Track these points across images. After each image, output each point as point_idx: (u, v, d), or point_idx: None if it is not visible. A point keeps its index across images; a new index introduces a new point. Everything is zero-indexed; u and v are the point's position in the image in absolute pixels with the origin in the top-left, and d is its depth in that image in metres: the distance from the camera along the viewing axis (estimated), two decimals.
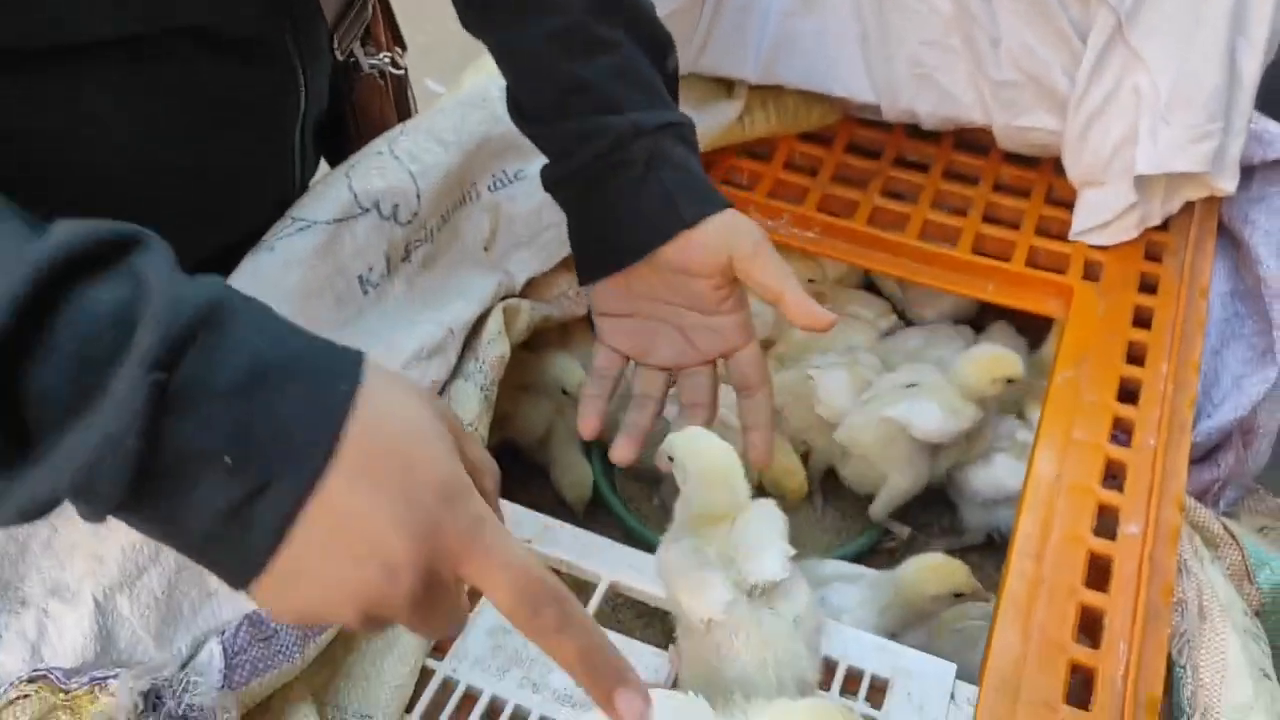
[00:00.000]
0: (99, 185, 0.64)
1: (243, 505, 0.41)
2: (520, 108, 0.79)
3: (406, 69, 0.94)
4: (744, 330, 0.80)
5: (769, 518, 0.66)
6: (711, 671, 0.62)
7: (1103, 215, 0.95)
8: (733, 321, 0.79)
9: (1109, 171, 0.93)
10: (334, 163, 0.90)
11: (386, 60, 0.90)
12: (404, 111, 0.97)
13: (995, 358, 0.92)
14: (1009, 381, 0.92)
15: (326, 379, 0.43)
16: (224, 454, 0.40)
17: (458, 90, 1.02)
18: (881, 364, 1.01)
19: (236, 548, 0.42)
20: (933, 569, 0.84)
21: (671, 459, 0.70)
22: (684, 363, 0.81)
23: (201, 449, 0.40)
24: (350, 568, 0.43)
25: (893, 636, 0.78)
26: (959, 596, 0.84)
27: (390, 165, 0.82)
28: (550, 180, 0.80)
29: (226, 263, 0.74)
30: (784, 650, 0.60)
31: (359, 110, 0.91)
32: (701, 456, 0.68)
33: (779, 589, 0.63)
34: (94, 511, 0.41)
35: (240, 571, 0.43)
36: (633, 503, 1.00)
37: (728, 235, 0.76)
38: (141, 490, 0.40)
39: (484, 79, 0.91)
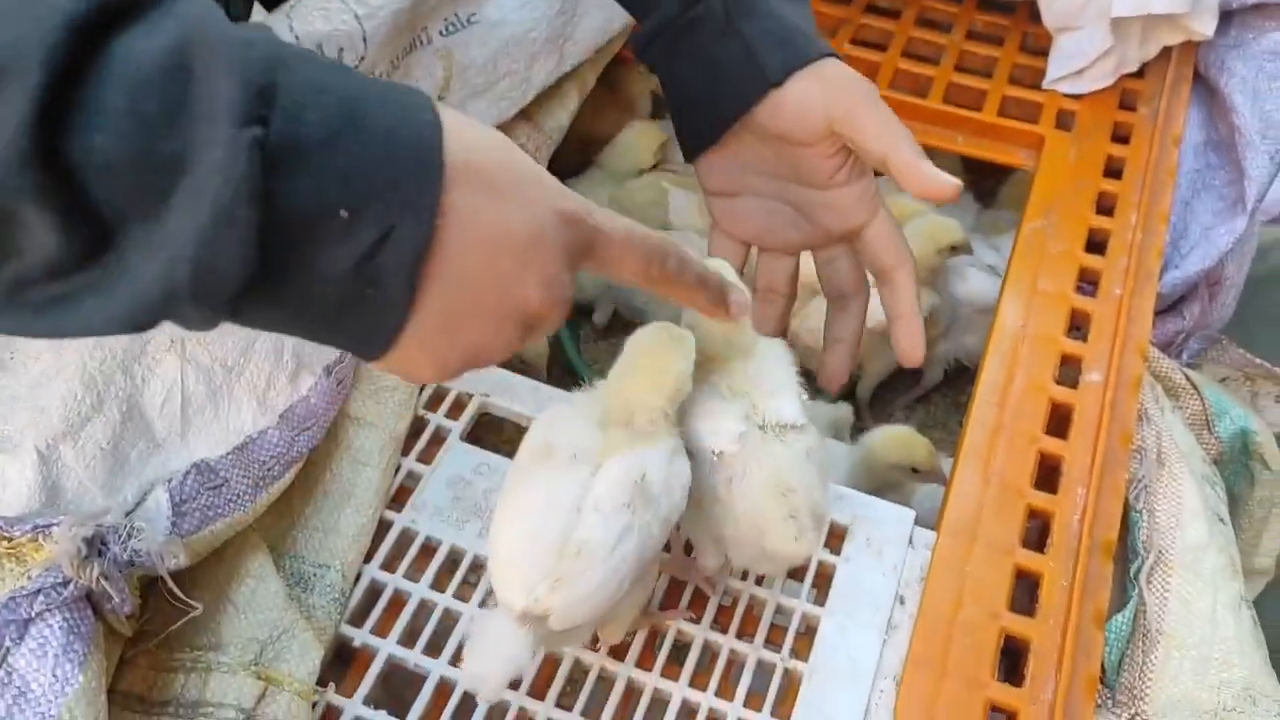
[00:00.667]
0: None
1: (369, 258, 0.38)
2: None
3: None
4: (867, 202, 0.68)
5: (782, 359, 0.63)
6: (721, 507, 0.60)
7: (1077, 61, 0.92)
8: (852, 194, 0.68)
9: (1084, 15, 0.90)
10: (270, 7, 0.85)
11: None
12: None
13: (936, 226, 0.90)
14: (953, 250, 0.90)
15: (407, 111, 0.39)
16: (339, 207, 0.37)
17: None
18: None
19: (372, 308, 0.39)
20: (896, 439, 0.84)
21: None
22: (810, 244, 0.71)
23: (316, 207, 0.36)
24: (508, 284, 0.42)
25: None
26: (916, 472, 0.84)
27: (334, 6, 0.78)
28: (638, 43, 0.71)
29: None
30: (797, 480, 0.59)
31: None
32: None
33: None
34: (211, 307, 0.37)
35: (379, 333, 0.41)
36: (597, 364, 1.00)
37: (823, 92, 0.65)
38: (264, 268, 0.36)
39: None
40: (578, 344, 1.01)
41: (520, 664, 0.52)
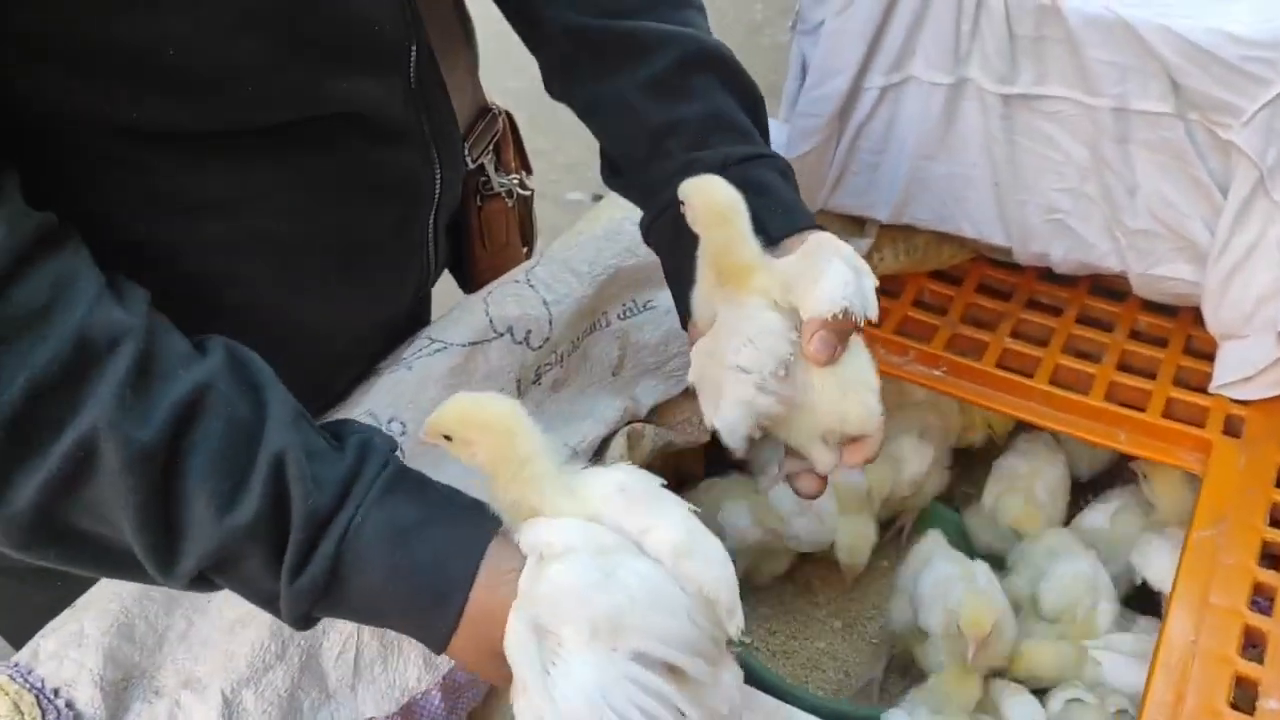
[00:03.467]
0: (261, 252, 0.68)
1: (418, 620, 0.55)
2: (613, 163, 0.79)
3: (533, 191, 0.98)
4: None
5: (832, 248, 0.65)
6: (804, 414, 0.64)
7: (1245, 369, 0.92)
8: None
9: (1250, 325, 0.91)
10: (460, 274, 0.96)
11: (515, 181, 0.94)
12: (526, 231, 1.00)
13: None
14: None
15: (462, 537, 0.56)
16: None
17: (594, 224, 1.07)
18: None
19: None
20: None
21: (683, 203, 0.67)
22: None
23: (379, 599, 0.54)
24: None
25: None
26: None
27: (526, 294, 0.86)
28: (644, 226, 0.76)
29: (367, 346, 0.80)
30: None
31: (485, 224, 0.94)
32: (706, 193, 0.65)
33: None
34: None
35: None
36: None
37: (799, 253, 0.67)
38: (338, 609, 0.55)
39: (619, 215, 0.95)
40: None
41: None
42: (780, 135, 1.06)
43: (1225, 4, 0.88)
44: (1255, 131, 0.85)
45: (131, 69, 0.54)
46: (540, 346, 0.85)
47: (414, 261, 0.81)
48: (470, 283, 0.95)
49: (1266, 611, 0.78)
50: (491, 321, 0.84)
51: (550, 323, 0.86)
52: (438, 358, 0.81)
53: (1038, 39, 0.90)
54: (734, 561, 0.55)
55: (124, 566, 0.53)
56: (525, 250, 1.00)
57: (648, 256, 0.93)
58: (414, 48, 0.70)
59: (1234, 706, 0.72)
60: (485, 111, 0.91)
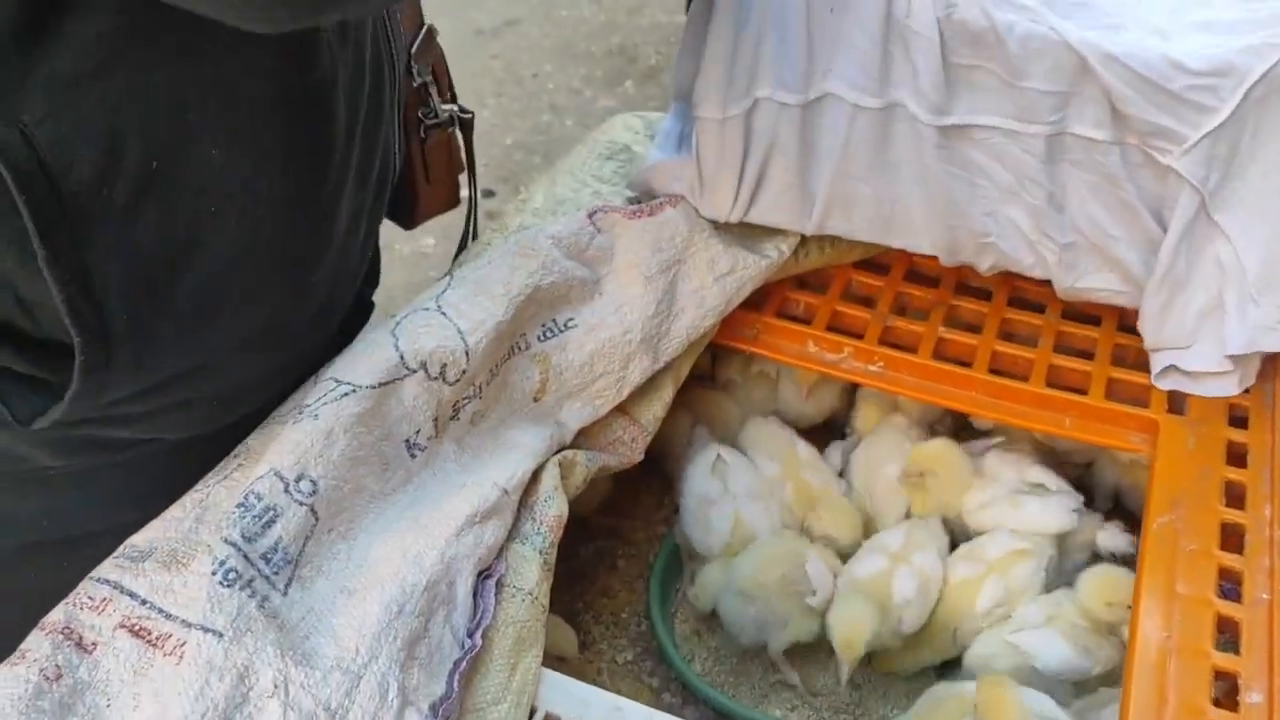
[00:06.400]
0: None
1: None
2: None
3: (473, 115, 0.96)
4: None
5: None
6: None
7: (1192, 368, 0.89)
8: None
9: (1194, 338, 0.88)
10: (401, 213, 0.93)
11: (455, 108, 0.93)
12: (471, 160, 0.98)
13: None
14: None
15: None
16: None
17: (503, 232, 1.00)
18: None
19: None
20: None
21: None
22: None
23: None
24: None
25: None
26: None
27: (438, 322, 0.79)
28: None
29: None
30: None
31: (428, 156, 0.92)
32: None
33: None
34: None
35: None
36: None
37: None
38: None
39: (532, 231, 0.88)
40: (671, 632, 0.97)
41: None
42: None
43: (1176, 28, 0.85)
44: (1197, 158, 0.83)
45: None
46: (457, 381, 0.78)
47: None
48: (413, 220, 0.95)
49: (1234, 597, 0.76)
50: (403, 357, 0.76)
51: (467, 354, 0.78)
52: (345, 402, 0.73)
53: (973, 67, 0.85)
54: None
55: None
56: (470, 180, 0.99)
57: (565, 272, 0.87)
58: None
59: (1216, 704, 0.70)
60: (423, 26, 0.89)
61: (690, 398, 1.05)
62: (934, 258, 0.99)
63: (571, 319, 0.87)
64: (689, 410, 1.06)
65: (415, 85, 0.88)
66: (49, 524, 0.76)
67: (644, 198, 0.99)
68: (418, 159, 0.92)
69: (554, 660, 0.77)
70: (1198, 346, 0.88)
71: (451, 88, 0.96)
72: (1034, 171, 0.88)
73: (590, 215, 0.91)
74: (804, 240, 1.00)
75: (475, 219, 1.05)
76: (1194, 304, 0.87)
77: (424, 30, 0.89)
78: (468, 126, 0.95)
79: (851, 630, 0.90)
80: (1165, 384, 0.91)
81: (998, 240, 0.92)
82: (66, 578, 0.64)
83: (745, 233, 0.98)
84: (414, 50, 0.88)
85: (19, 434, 0.67)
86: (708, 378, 1.12)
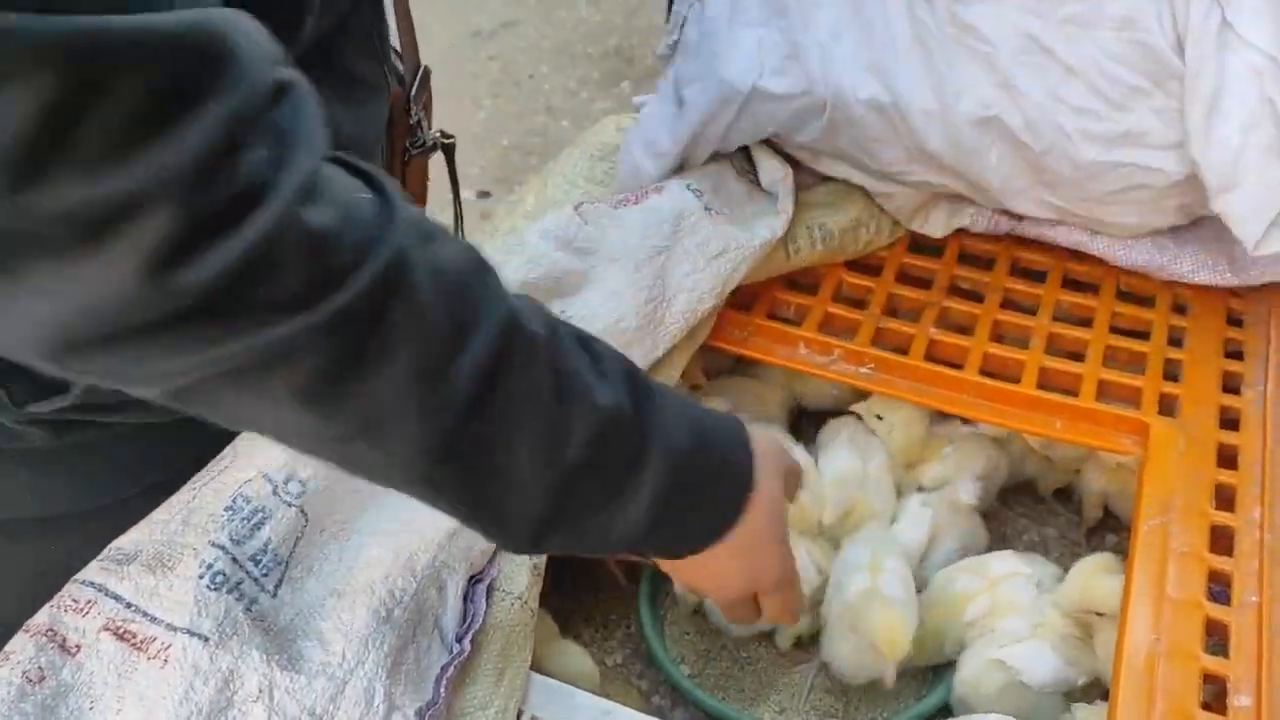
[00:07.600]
0: None
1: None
2: None
3: (454, 139, 0.97)
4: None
5: None
6: None
7: (1265, 215, 0.88)
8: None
9: (1241, 164, 0.87)
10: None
11: (438, 134, 0.94)
12: (454, 181, 1.01)
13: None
14: None
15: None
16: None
17: (493, 235, 1.00)
18: None
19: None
20: None
21: None
22: None
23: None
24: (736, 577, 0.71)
25: None
26: None
27: None
28: None
29: None
30: None
31: (408, 178, 0.94)
32: None
33: None
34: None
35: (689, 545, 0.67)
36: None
37: None
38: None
39: (520, 223, 0.88)
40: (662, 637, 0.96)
41: None
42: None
43: None
44: None
45: None
46: None
47: None
48: None
49: (1224, 600, 0.76)
50: None
51: None
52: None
53: None
54: None
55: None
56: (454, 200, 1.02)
57: (554, 264, 0.87)
58: None
59: (1205, 708, 0.70)
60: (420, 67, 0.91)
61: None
62: (927, 255, 0.98)
63: (563, 310, 0.87)
64: None
65: (411, 123, 0.91)
66: (34, 500, 0.75)
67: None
68: (397, 177, 0.93)
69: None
70: (1250, 182, 0.87)
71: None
72: (1034, 28, 0.89)
73: (576, 207, 0.91)
74: (793, 232, 1.00)
75: (461, 232, 1.05)
76: (1234, 118, 0.87)
77: (421, 72, 0.91)
78: (450, 150, 0.97)
79: (892, 630, 0.88)
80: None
81: (1004, 116, 0.93)
82: (52, 559, 0.64)
83: (736, 213, 0.98)
84: (413, 93, 0.90)
85: (14, 414, 0.66)
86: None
